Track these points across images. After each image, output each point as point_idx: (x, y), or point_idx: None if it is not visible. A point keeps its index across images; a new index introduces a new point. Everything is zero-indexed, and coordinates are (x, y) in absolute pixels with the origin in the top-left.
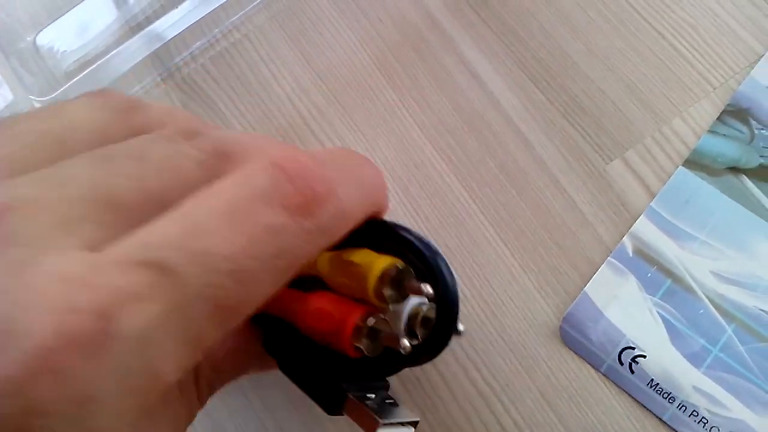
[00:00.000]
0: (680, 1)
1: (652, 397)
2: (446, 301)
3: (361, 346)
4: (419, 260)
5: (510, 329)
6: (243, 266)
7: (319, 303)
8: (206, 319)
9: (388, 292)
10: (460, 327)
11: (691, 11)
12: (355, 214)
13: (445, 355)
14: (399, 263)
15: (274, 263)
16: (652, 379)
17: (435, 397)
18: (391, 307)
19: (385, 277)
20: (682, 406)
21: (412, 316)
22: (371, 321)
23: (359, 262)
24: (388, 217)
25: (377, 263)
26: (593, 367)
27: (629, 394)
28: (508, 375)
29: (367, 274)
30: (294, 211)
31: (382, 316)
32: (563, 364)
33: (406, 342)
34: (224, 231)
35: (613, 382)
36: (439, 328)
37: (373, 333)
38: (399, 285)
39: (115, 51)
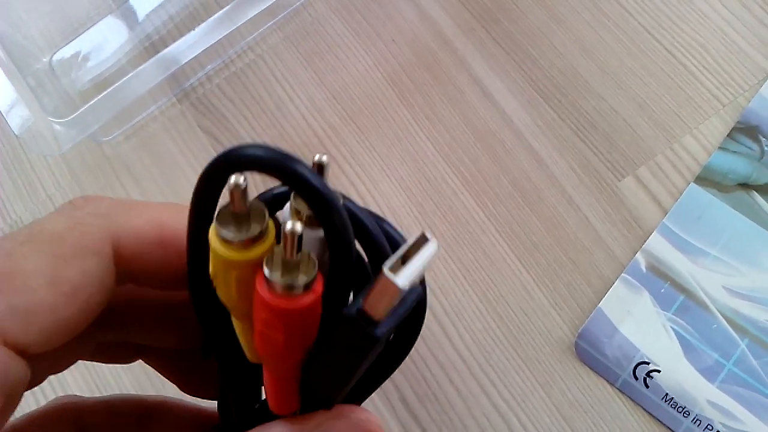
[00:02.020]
0: (690, 21)
1: (667, 411)
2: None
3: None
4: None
5: (525, 345)
6: None
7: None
8: None
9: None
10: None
11: (700, 31)
12: None
13: (461, 370)
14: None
15: None
16: (667, 394)
17: (452, 412)
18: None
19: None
20: (697, 420)
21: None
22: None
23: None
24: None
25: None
26: (608, 382)
27: (644, 409)
28: (524, 391)
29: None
30: None
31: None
32: (578, 380)
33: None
34: None
35: (628, 396)
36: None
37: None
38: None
39: (131, 74)
